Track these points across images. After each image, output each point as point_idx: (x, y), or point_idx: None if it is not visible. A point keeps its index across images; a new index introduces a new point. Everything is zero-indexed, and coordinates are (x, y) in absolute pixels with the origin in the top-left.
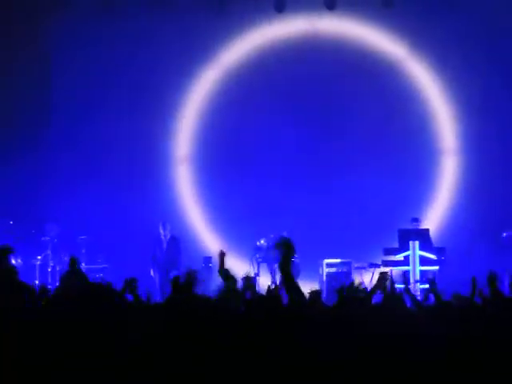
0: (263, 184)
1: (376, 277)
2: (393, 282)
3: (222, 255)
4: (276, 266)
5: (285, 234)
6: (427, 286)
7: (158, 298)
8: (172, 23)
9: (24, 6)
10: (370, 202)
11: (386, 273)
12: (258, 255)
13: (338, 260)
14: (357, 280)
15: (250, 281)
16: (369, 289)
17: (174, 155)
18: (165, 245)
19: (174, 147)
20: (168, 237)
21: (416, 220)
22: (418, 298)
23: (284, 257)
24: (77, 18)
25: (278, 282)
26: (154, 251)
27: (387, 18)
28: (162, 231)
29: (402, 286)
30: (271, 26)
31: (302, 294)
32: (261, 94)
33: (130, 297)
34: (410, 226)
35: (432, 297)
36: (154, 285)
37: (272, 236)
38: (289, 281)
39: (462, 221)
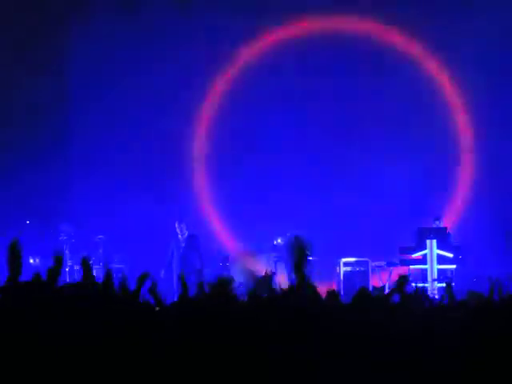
0: (280, 183)
1: (395, 279)
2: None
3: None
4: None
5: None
6: (444, 284)
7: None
8: (191, 23)
9: (43, 8)
10: (387, 200)
11: (405, 276)
12: (274, 254)
13: (355, 259)
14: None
15: (268, 279)
16: (387, 289)
17: (192, 154)
18: (183, 244)
19: (192, 146)
20: (185, 235)
21: (437, 218)
22: (436, 296)
23: (298, 259)
24: (97, 19)
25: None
26: (171, 251)
27: (406, 17)
28: (178, 230)
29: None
30: (290, 26)
31: (317, 294)
32: (279, 92)
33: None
34: (431, 225)
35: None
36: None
37: (288, 234)
38: (304, 282)
39: (479, 219)
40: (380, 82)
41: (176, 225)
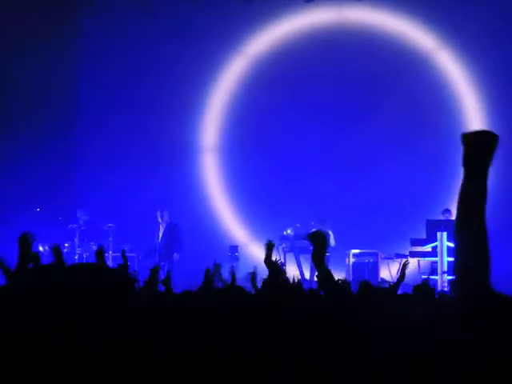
0: (290, 173)
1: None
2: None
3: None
4: (309, 258)
5: (320, 223)
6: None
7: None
8: (200, 14)
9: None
10: (397, 192)
11: (406, 261)
12: (284, 245)
13: (365, 250)
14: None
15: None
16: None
17: (201, 144)
18: (162, 232)
19: (201, 136)
20: (166, 224)
21: (448, 211)
22: (445, 289)
23: (318, 250)
24: (105, 10)
25: (307, 274)
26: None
27: (416, 9)
28: (159, 218)
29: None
30: (300, 15)
31: (338, 287)
32: (288, 83)
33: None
34: (441, 217)
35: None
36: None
37: (298, 225)
38: (324, 275)
39: (489, 212)
40: (392, 74)
41: (158, 213)
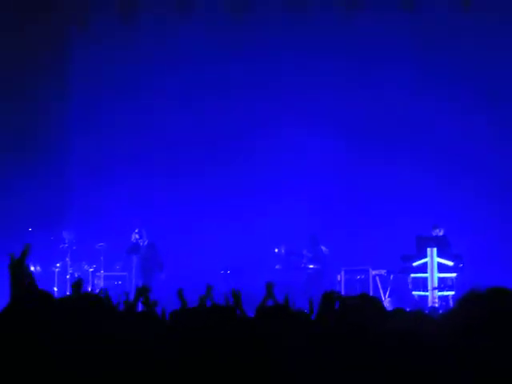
0: (280, 192)
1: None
2: None
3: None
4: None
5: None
6: (444, 292)
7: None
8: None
9: (45, 12)
10: (387, 208)
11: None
12: (277, 266)
13: (356, 267)
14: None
15: (270, 289)
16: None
17: (188, 168)
18: (142, 251)
19: (188, 158)
20: (145, 243)
21: (436, 226)
22: (436, 305)
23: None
24: (97, 22)
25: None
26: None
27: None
28: (137, 236)
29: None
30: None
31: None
32: (284, 91)
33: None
34: (430, 233)
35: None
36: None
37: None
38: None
39: (480, 227)
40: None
41: (135, 232)
